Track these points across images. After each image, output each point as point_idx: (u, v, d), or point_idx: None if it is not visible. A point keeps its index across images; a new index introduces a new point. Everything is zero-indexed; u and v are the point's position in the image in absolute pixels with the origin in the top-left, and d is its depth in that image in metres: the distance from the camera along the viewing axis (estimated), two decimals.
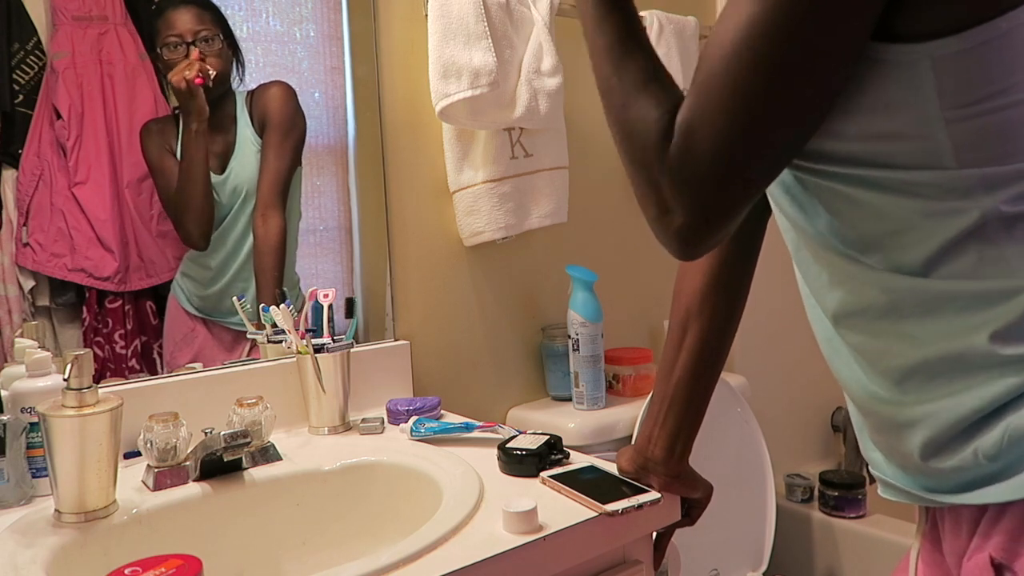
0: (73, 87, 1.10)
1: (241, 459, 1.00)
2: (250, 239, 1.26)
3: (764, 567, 1.61)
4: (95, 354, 1.11)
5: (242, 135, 1.25)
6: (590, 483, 0.91)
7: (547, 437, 1.02)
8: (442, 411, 1.27)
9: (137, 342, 1.17)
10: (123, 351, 1.16)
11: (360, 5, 1.34)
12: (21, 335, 1.07)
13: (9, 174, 1.07)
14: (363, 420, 1.20)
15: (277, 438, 1.10)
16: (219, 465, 0.98)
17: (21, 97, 1.08)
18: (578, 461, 1.01)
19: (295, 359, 1.21)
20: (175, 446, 0.97)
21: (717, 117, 0.57)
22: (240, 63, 1.24)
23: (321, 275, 1.33)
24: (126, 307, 1.16)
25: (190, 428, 1.00)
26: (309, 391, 1.19)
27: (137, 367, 1.17)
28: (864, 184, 0.60)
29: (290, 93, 1.28)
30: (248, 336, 1.24)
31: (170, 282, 1.20)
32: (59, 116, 1.10)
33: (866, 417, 0.70)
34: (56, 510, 0.88)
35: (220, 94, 1.22)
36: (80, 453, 0.86)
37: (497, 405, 1.54)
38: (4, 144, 1.07)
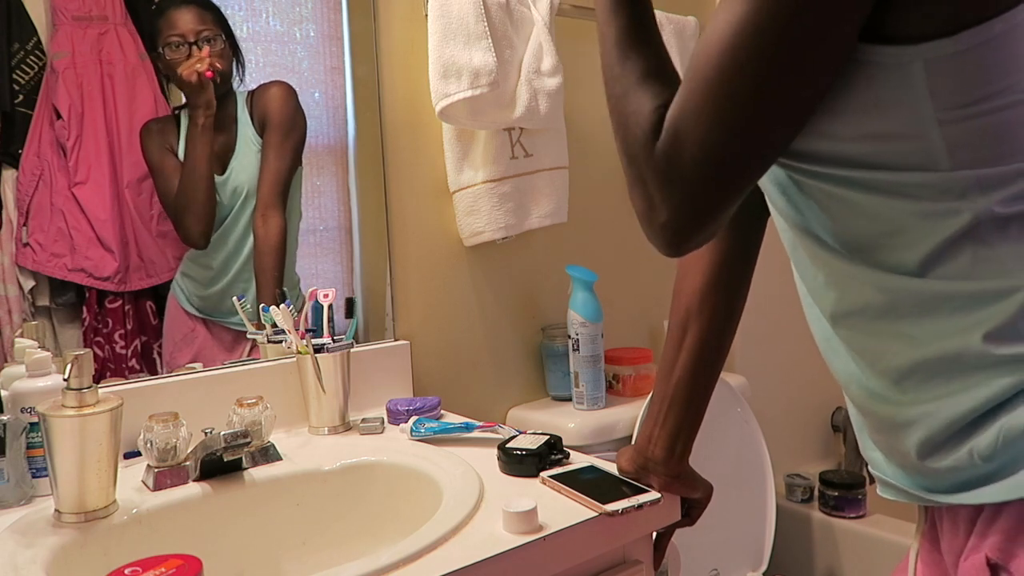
0: (73, 87, 1.10)
1: (241, 459, 1.00)
2: (250, 239, 1.26)
3: (764, 567, 1.61)
4: (95, 354, 1.11)
5: (243, 135, 1.25)
6: (590, 483, 0.91)
7: (547, 437, 1.02)
8: (442, 411, 1.27)
9: (137, 342, 1.17)
10: (123, 351, 1.16)
11: (360, 5, 1.34)
12: (21, 335, 1.07)
13: (9, 174, 1.07)
14: (363, 420, 1.20)
15: (277, 438, 1.10)
16: (219, 465, 0.98)
17: (21, 97, 1.08)
18: (578, 461, 1.01)
19: (295, 359, 1.21)
20: (175, 446, 0.97)
21: (704, 116, 0.58)
22: (240, 63, 1.24)
23: (321, 275, 1.33)
24: (126, 307, 1.16)
25: (190, 428, 1.00)
26: (309, 391, 1.19)
27: (137, 367, 1.17)
28: (858, 185, 0.60)
29: (290, 93, 1.28)
30: (248, 336, 1.24)
31: (170, 282, 1.21)
32: (59, 116, 1.10)
33: (865, 417, 0.70)
34: (56, 510, 0.88)
35: (221, 94, 1.22)
36: (80, 453, 0.86)
37: (497, 405, 1.54)
38: (4, 144, 1.07)
